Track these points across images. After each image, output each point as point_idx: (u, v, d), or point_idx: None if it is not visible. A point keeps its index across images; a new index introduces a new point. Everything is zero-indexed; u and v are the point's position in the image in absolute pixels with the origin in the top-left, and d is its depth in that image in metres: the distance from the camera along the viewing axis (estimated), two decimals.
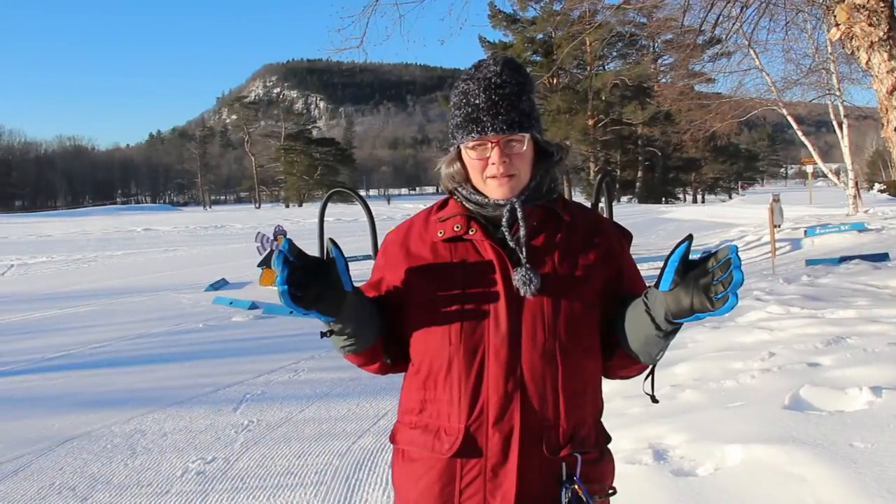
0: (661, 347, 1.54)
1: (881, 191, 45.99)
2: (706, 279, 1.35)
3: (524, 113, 1.56)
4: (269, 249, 13.09)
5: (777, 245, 12.77)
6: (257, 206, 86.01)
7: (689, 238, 1.40)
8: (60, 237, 31.00)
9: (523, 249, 1.55)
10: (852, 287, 7.87)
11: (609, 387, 1.72)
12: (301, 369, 6.67)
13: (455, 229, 1.61)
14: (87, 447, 4.78)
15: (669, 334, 1.49)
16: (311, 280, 1.41)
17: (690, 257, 1.42)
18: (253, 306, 10.16)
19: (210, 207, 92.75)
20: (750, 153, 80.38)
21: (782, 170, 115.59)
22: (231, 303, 10.66)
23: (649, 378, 1.66)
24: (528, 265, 1.54)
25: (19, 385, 6.56)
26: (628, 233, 1.72)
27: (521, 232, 1.56)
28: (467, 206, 1.63)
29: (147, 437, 4.93)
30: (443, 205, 1.69)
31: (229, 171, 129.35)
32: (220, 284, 12.95)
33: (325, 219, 12.15)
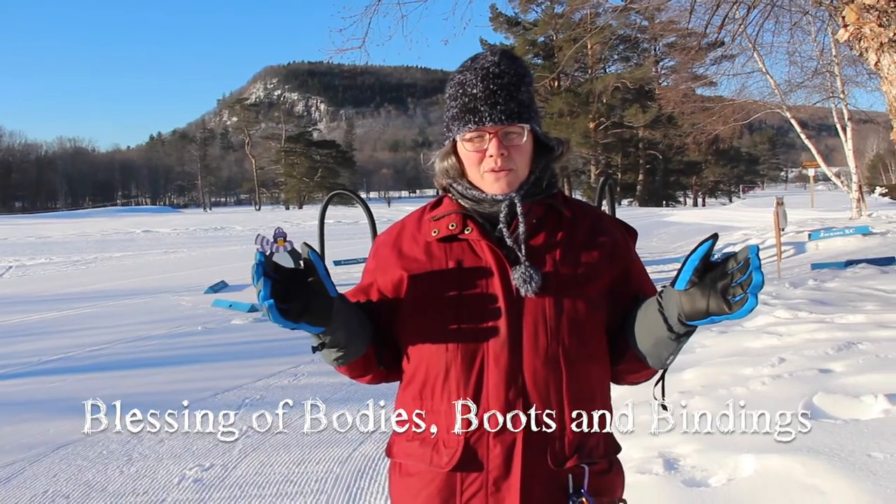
0: (672, 351, 1.45)
1: (882, 194, 45.97)
2: (725, 280, 1.27)
3: (523, 104, 1.49)
4: (269, 252, 12.97)
5: (781, 249, 12.68)
6: (257, 207, 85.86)
7: (714, 237, 1.32)
8: (60, 238, 30.84)
9: (522, 248, 1.47)
10: (860, 291, 7.78)
11: (617, 392, 1.63)
12: (301, 373, 6.58)
13: (450, 228, 1.53)
14: (82, 453, 4.68)
15: (682, 337, 1.41)
16: (294, 291, 1.34)
17: (712, 259, 1.33)
18: (253, 309, 10.01)
19: (210, 209, 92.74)
20: (751, 156, 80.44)
21: (782, 173, 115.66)
22: (231, 305, 10.56)
23: (659, 384, 1.57)
24: (527, 263, 1.45)
25: (15, 388, 6.46)
26: (633, 230, 1.64)
27: (521, 229, 1.48)
28: (463, 203, 1.55)
29: (144, 443, 4.82)
30: (437, 203, 1.61)
31: (230, 173, 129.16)
32: (219, 287, 12.81)
33: (326, 221, 12.05)
